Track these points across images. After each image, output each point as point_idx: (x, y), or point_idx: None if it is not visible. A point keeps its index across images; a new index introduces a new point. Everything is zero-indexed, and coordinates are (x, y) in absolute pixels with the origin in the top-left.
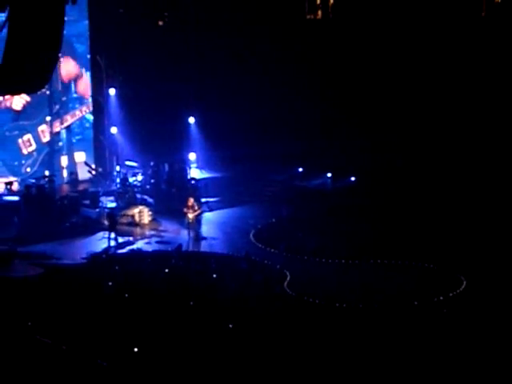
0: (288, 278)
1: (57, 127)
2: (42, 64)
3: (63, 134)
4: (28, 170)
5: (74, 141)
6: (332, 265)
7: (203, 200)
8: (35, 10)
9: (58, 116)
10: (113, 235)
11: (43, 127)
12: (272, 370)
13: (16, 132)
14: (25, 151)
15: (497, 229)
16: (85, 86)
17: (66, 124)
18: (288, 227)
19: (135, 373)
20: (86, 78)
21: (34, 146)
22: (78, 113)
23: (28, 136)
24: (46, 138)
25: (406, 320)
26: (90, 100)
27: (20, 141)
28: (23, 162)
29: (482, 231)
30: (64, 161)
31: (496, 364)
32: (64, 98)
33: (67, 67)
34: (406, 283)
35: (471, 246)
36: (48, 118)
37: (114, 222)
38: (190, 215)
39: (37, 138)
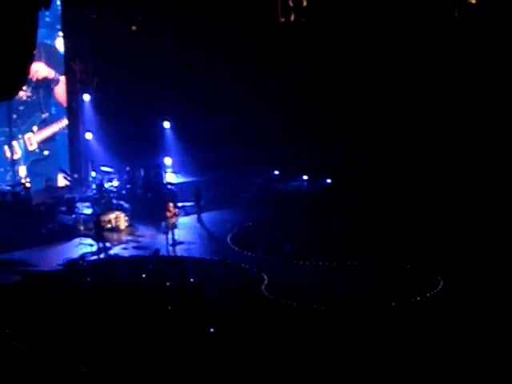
0: (266, 281)
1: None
2: (16, 71)
3: (22, 145)
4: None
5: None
6: (309, 267)
7: (180, 204)
8: (8, 17)
9: (45, 124)
10: (94, 242)
11: (29, 135)
12: (253, 372)
13: (2, 138)
14: (9, 158)
15: (472, 228)
16: (62, 91)
17: (39, 137)
18: (265, 230)
19: (115, 379)
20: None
21: (19, 154)
22: (52, 128)
23: (14, 143)
24: (32, 146)
25: (384, 321)
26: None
27: (5, 147)
28: (8, 169)
29: (458, 231)
30: (22, 171)
31: (474, 363)
32: (21, 107)
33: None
34: (383, 284)
35: (447, 246)
36: (35, 128)
37: (101, 229)
38: (171, 220)
39: (22, 146)
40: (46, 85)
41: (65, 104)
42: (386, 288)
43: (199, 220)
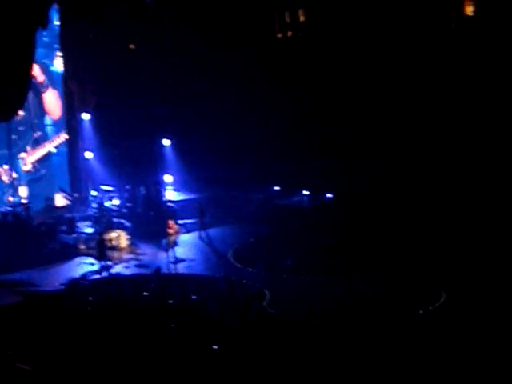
0: (268, 297)
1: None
2: (13, 92)
3: (21, 165)
4: (10, 199)
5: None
6: (311, 282)
7: (180, 222)
8: (4, 37)
9: (37, 143)
10: (96, 261)
11: (23, 155)
12: None
13: None
14: (6, 180)
15: (474, 241)
16: (51, 101)
17: (33, 157)
18: (266, 246)
19: None
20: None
21: (14, 175)
22: (46, 146)
23: (5, 167)
24: (26, 167)
25: (387, 335)
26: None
27: (1, 170)
28: (5, 191)
29: (460, 243)
30: (22, 191)
31: (477, 375)
32: (21, 128)
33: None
34: (385, 298)
35: (449, 259)
36: (28, 148)
37: (104, 248)
38: (172, 237)
39: (17, 167)
40: (38, 95)
41: (53, 115)
42: (388, 302)
43: (201, 237)
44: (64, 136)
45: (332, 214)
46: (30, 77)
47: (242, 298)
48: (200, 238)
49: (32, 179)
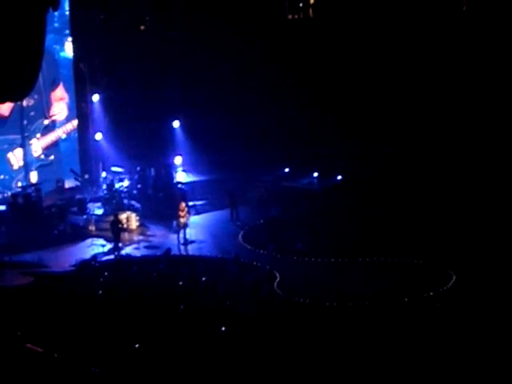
0: (278, 279)
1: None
2: (26, 72)
3: (32, 151)
4: (19, 184)
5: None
6: (321, 264)
7: (190, 203)
8: (16, 19)
9: (47, 130)
10: (107, 242)
11: (33, 141)
12: (266, 370)
13: (6, 146)
14: (15, 165)
15: (484, 223)
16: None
17: (43, 143)
18: (276, 228)
19: (128, 379)
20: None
21: (21, 162)
22: (56, 132)
23: (19, 150)
24: (36, 153)
25: (397, 317)
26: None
27: (10, 155)
28: (14, 176)
29: (470, 226)
30: (33, 176)
31: (488, 358)
32: (32, 113)
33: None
34: (395, 280)
35: (459, 241)
36: (38, 135)
37: (119, 228)
38: (183, 219)
39: (27, 153)
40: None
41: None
42: (398, 284)
43: (236, 218)
44: (74, 123)
45: (342, 196)
46: (41, 56)
47: (251, 280)
48: (236, 219)
49: (42, 165)
